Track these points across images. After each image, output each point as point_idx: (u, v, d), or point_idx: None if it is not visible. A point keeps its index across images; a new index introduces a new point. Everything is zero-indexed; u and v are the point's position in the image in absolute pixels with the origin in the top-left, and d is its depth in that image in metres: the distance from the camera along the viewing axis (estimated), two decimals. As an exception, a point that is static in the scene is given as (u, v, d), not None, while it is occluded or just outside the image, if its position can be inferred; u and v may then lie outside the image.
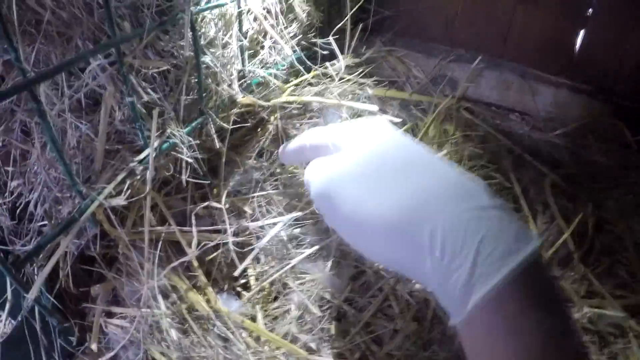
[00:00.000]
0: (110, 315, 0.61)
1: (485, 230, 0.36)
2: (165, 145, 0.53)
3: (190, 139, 0.53)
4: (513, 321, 0.34)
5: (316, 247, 0.58)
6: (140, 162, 0.52)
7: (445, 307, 0.39)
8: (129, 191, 0.51)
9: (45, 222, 0.54)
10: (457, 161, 0.67)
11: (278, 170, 0.63)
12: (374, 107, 0.58)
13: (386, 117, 0.61)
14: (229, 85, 0.56)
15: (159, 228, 0.58)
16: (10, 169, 0.54)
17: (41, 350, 0.60)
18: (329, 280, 0.58)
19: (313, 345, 0.57)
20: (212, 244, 0.57)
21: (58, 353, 0.61)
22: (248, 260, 0.57)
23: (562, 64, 0.72)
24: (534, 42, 0.71)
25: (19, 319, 0.58)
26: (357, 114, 0.65)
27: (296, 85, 0.65)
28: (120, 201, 0.50)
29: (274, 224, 0.58)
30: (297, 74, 0.67)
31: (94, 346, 0.59)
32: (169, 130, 0.53)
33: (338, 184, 0.44)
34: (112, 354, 0.58)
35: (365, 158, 0.44)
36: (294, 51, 0.64)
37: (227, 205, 0.60)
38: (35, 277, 0.53)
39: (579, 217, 0.65)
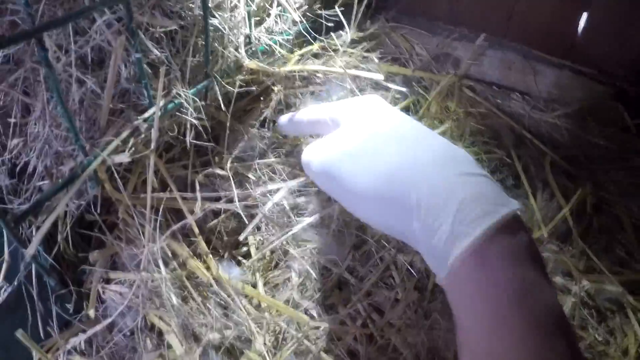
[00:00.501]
0: (108, 282, 0.60)
1: (467, 192, 0.40)
2: (170, 105, 0.53)
3: (197, 99, 0.53)
4: (492, 274, 0.37)
5: (317, 216, 0.59)
6: (145, 120, 0.52)
7: (432, 267, 0.43)
8: (133, 149, 0.51)
9: (46, 180, 0.54)
10: (459, 136, 0.67)
11: (281, 139, 0.64)
12: (380, 76, 0.59)
13: (391, 86, 0.61)
14: (236, 49, 0.56)
15: (160, 194, 0.58)
16: (11, 126, 0.54)
17: (37, 317, 0.59)
18: (331, 249, 0.59)
19: (314, 312, 0.57)
20: (214, 206, 0.57)
21: (55, 320, 0.60)
22: (252, 225, 0.57)
23: (564, 46, 0.73)
24: (537, 24, 0.72)
25: (15, 283, 0.58)
26: (360, 88, 0.65)
27: (301, 55, 0.66)
28: (124, 157, 0.49)
29: (278, 189, 0.58)
30: (301, 45, 0.68)
31: (91, 312, 0.59)
32: (174, 91, 0.53)
33: (335, 162, 0.48)
34: (109, 320, 0.58)
35: (360, 134, 0.48)
36: (300, 21, 0.64)
37: (230, 172, 0.60)
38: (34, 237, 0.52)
39: (578, 192, 0.66)
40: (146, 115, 0.52)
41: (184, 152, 0.63)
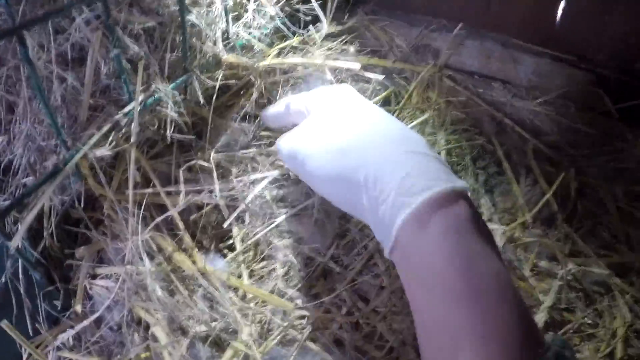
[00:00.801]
0: (94, 277, 0.61)
1: (412, 167, 0.42)
2: (150, 100, 0.54)
3: (176, 92, 0.55)
4: (435, 243, 0.39)
5: (300, 207, 0.59)
6: (125, 114, 0.53)
7: (380, 240, 0.45)
8: (114, 143, 0.52)
9: (30, 177, 0.55)
10: (440, 125, 0.68)
11: (263, 133, 0.65)
12: (357, 65, 0.60)
13: (371, 75, 0.62)
14: (214, 43, 0.57)
15: (144, 190, 0.59)
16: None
17: (26, 315, 0.60)
18: (314, 238, 0.59)
19: (299, 301, 0.58)
20: (196, 198, 0.58)
21: (43, 318, 0.61)
22: (234, 214, 0.58)
23: (543, 34, 0.74)
24: (515, 12, 0.74)
25: (3, 280, 0.59)
26: (340, 80, 0.66)
27: (280, 49, 0.67)
28: (105, 151, 0.51)
29: (260, 180, 0.59)
30: (280, 39, 0.69)
31: (78, 307, 0.60)
32: (154, 86, 0.54)
33: (299, 145, 0.52)
34: (96, 315, 0.59)
35: (323, 119, 0.52)
36: (278, 16, 0.66)
37: (213, 165, 0.61)
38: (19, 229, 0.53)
39: (561, 176, 0.67)
40: (126, 109, 0.53)
41: (167, 148, 0.64)
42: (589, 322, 0.63)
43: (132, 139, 0.51)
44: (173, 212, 0.56)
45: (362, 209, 0.45)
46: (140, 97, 0.53)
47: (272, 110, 0.62)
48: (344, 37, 0.71)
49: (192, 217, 0.60)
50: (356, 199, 0.45)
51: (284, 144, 0.54)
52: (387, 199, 0.41)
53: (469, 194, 0.43)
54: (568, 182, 0.70)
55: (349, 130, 0.49)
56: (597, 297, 0.65)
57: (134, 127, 0.52)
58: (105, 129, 0.51)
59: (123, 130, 0.53)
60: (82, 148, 0.51)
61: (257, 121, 0.64)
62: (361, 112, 0.51)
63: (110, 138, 0.51)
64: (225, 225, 0.59)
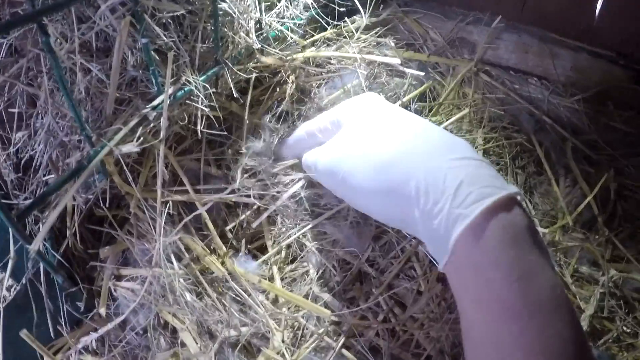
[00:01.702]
0: (119, 279, 0.56)
1: (464, 176, 0.38)
2: (180, 93, 0.49)
3: (207, 85, 0.49)
4: (492, 256, 0.36)
5: (336, 209, 0.54)
6: (154, 108, 0.47)
7: (434, 254, 0.41)
8: (141, 139, 0.46)
9: (52, 175, 0.50)
10: (478, 123, 0.63)
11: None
12: (396, 60, 0.54)
13: (408, 70, 0.57)
14: (247, 34, 0.52)
15: (172, 189, 0.54)
16: (15, 119, 0.50)
17: (47, 316, 0.55)
18: (350, 241, 0.54)
19: (334, 307, 0.52)
20: (226, 196, 0.53)
21: (65, 319, 0.56)
22: (267, 213, 0.52)
23: (581, 29, 0.68)
24: (553, 5, 0.68)
25: (24, 281, 0.54)
26: (374, 75, 0.61)
27: (313, 42, 0.61)
28: (132, 147, 0.45)
29: (294, 181, 0.54)
30: (313, 31, 0.63)
31: (102, 311, 0.55)
32: (183, 78, 0.49)
33: (336, 161, 0.48)
34: (121, 318, 0.54)
35: (359, 132, 0.48)
36: (312, 6, 0.60)
37: (245, 164, 0.55)
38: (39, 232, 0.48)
39: (602, 179, 0.61)
40: (155, 103, 0.47)
41: (195, 144, 0.58)
42: (629, 331, 0.58)
43: (162, 134, 0.46)
44: (202, 211, 0.51)
45: (414, 222, 0.41)
46: (170, 90, 0.47)
47: (293, 137, 0.57)
48: (377, 29, 0.65)
49: (223, 218, 0.55)
50: (406, 213, 0.42)
51: (319, 158, 0.50)
52: (442, 211, 0.38)
53: (520, 199, 0.40)
54: (607, 183, 0.65)
55: (391, 141, 0.45)
56: (637, 305, 0.59)
57: (163, 121, 0.46)
58: (132, 123, 0.46)
59: (151, 125, 0.48)
60: (107, 144, 0.45)
61: (292, 118, 0.59)
62: (399, 121, 0.47)
63: (138, 133, 0.46)
64: (254, 225, 0.53)
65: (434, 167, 0.40)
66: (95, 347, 0.56)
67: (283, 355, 0.49)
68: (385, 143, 0.45)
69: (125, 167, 0.48)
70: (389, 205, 0.43)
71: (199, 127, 0.49)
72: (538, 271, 0.36)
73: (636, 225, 0.64)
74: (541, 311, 0.35)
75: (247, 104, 0.53)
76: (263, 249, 0.56)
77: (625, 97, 0.70)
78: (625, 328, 0.58)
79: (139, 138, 0.46)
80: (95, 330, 0.55)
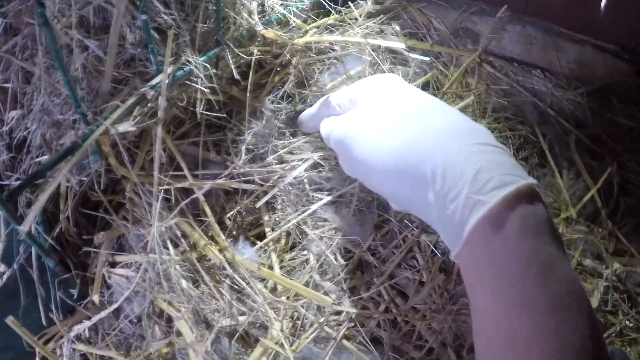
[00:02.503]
0: (114, 265, 0.54)
1: (483, 162, 0.36)
2: (179, 73, 0.46)
3: (208, 65, 0.47)
4: (511, 245, 0.33)
5: (337, 194, 0.52)
6: (152, 88, 0.45)
7: (446, 241, 0.39)
8: (138, 118, 0.44)
9: (46, 155, 0.47)
10: (481, 112, 0.61)
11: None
12: (401, 44, 0.52)
13: (414, 56, 0.55)
14: (249, 15, 0.49)
15: (170, 173, 0.51)
16: (9, 96, 0.47)
17: (39, 304, 0.53)
18: (351, 229, 0.52)
19: (334, 296, 0.50)
20: (223, 181, 0.50)
21: (57, 306, 0.54)
22: (267, 197, 0.50)
23: (586, 22, 0.67)
24: (557, -2, 0.66)
25: (15, 266, 0.51)
26: (376, 63, 0.58)
27: (317, 27, 0.59)
28: (128, 127, 0.43)
29: (296, 165, 0.51)
30: (316, 16, 0.61)
31: (95, 298, 0.52)
32: (183, 58, 0.46)
33: (353, 133, 0.45)
34: (115, 306, 0.51)
35: (378, 108, 0.45)
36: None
37: (245, 149, 0.53)
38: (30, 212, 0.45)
39: (606, 173, 0.60)
40: (153, 82, 0.45)
41: (194, 128, 0.56)
42: (632, 325, 0.56)
43: (160, 114, 0.43)
44: (199, 195, 0.48)
45: (427, 206, 0.38)
46: (169, 69, 0.45)
47: (308, 112, 0.55)
48: (380, 17, 0.63)
49: (221, 204, 0.52)
50: (419, 195, 0.39)
51: (335, 128, 0.47)
52: (459, 196, 0.35)
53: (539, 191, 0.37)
54: (611, 177, 0.63)
55: (411, 120, 0.42)
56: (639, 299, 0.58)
57: (162, 101, 0.44)
58: (129, 102, 0.44)
59: (149, 105, 0.45)
60: (103, 122, 0.43)
61: (294, 101, 0.56)
62: (420, 101, 0.44)
63: (135, 113, 0.43)
64: (258, 205, 0.51)
65: (453, 150, 0.38)
66: (88, 336, 0.54)
67: (282, 346, 0.47)
68: (404, 121, 0.42)
69: (122, 148, 0.46)
70: (402, 185, 0.41)
71: (198, 109, 0.47)
72: (558, 264, 0.34)
73: (639, 219, 0.63)
74: (561, 306, 0.32)
75: (249, 84, 0.50)
76: (262, 236, 0.53)
77: (629, 92, 0.68)
78: (628, 322, 0.56)
79: (135, 117, 0.44)
80: (89, 318, 0.53)
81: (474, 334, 0.37)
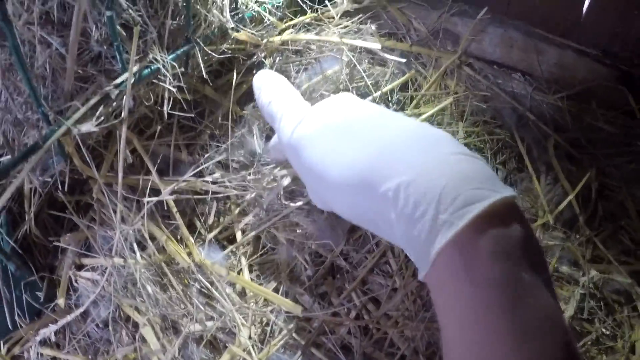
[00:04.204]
0: (80, 268, 0.52)
1: (449, 176, 0.32)
2: (145, 71, 0.44)
3: (175, 64, 0.45)
4: (480, 274, 0.30)
5: (308, 199, 0.50)
6: (117, 86, 0.43)
7: (414, 261, 0.35)
8: (102, 118, 0.42)
9: (9, 156, 0.45)
10: (459, 115, 0.59)
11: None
12: (377, 45, 0.51)
13: (390, 57, 0.53)
14: (220, 12, 0.47)
15: (138, 177, 0.49)
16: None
17: (3, 307, 0.51)
18: (323, 234, 0.50)
19: (304, 302, 0.48)
20: (193, 179, 0.48)
21: (24, 310, 0.52)
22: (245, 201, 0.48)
23: (568, 25, 0.65)
24: (539, 1, 0.64)
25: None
26: (353, 63, 0.57)
27: (292, 26, 0.57)
28: (90, 127, 0.41)
29: (271, 173, 0.49)
30: (293, 15, 0.59)
31: (61, 301, 0.51)
32: (151, 56, 0.44)
33: (303, 138, 0.41)
34: (81, 310, 0.50)
35: (330, 117, 0.41)
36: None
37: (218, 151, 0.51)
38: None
39: (584, 179, 0.58)
40: (118, 80, 0.43)
41: (167, 129, 0.54)
42: (608, 333, 0.55)
43: (123, 114, 0.42)
44: (165, 196, 0.46)
45: (388, 226, 0.35)
46: (135, 67, 0.43)
47: (274, 140, 0.49)
48: (359, 16, 0.61)
49: (192, 206, 0.50)
50: (380, 215, 0.35)
51: (287, 129, 0.42)
52: (425, 216, 0.32)
53: (516, 203, 0.33)
54: (589, 182, 0.61)
55: (369, 133, 0.38)
56: (617, 307, 0.56)
57: (126, 101, 0.42)
58: (92, 101, 0.42)
59: (114, 105, 0.43)
60: (64, 123, 0.41)
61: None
62: (377, 115, 0.40)
63: (99, 113, 0.41)
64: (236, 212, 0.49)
65: (415, 164, 0.34)
66: (56, 340, 0.52)
67: (249, 353, 0.45)
68: (361, 134, 0.38)
69: (84, 149, 0.44)
70: (360, 203, 0.37)
71: (165, 108, 0.45)
72: (532, 291, 0.30)
73: (617, 225, 0.61)
74: (533, 336, 0.29)
75: (232, 84, 0.48)
76: (233, 240, 0.51)
77: (609, 97, 0.67)
78: (604, 330, 0.55)
79: (99, 117, 0.42)
80: (55, 322, 0.51)
81: (444, 352, 0.34)
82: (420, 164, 0.34)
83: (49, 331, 0.51)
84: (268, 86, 0.46)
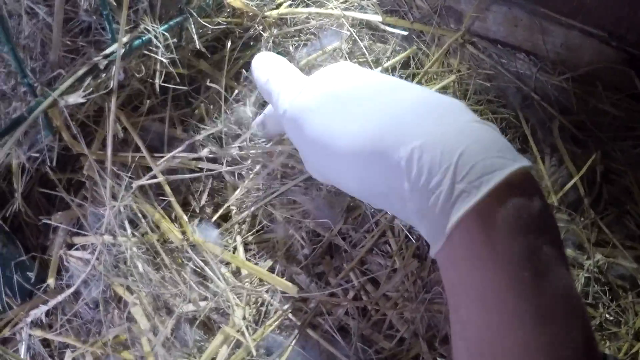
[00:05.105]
0: (72, 247, 0.50)
1: (466, 144, 0.29)
2: (136, 42, 0.42)
3: (167, 35, 0.42)
4: (501, 246, 0.28)
5: (306, 175, 0.48)
6: (106, 57, 0.41)
7: (426, 236, 0.32)
8: (91, 89, 0.40)
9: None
10: (462, 94, 0.57)
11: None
12: (377, 17, 0.49)
13: (392, 29, 0.51)
14: (215, -18, 0.45)
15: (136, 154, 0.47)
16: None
17: (-3, 286, 0.49)
18: (321, 212, 0.48)
19: (301, 282, 0.46)
20: (186, 155, 0.46)
21: (15, 291, 0.50)
22: (238, 193, 0.46)
23: (574, 5, 0.63)
24: (544, -21, 0.62)
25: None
26: (353, 39, 0.54)
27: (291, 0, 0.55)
28: (77, 98, 0.39)
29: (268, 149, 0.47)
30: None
31: (51, 281, 0.49)
32: (142, 26, 0.42)
33: (305, 108, 0.37)
34: (71, 290, 0.48)
35: (336, 85, 0.38)
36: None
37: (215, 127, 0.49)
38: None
39: (590, 160, 0.56)
40: (108, 50, 0.41)
41: (161, 105, 0.52)
42: (612, 319, 0.53)
43: (112, 84, 0.39)
44: (156, 172, 0.44)
45: (400, 198, 0.32)
46: (126, 38, 0.41)
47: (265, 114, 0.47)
48: (360, -7, 0.59)
49: (187, 184, 0.48)
50: (392, 186, 0.32)
51: (286, 100, 0.39)
52: (440, 186, 0.29)
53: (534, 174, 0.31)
54: (594, 165, 0.59)
55: (379, 98, 0.35)
56: (621, 292, 0.54)
57: (115, 72, 0.40)
58: (80, 72, 0.39)
59: (103, 76, 0.41)
60: (51, 94, 0.39)
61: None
62: (387, 79, 0.37)
63: (86, 83, 0.39)
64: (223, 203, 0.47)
65: (430, 131, 0.31)
66: (49, 321, 0.50)
67: (243, 334, 0.43)
68: (370, 101, 0.35)
69: (73, 124, 0.42)
70: (370, 174, 0.34)
71: (157, 81, 0.43)
72: (553, 268, 0.28)
73: (622, 210, 0.59)
74: (554, 317, 0.27)
75: (226, 60, 0.46)
76: (228, 218, 0.49)
77: (615, 79, 0.64)
78: (608, 315, 0.52)
79: (86, 88, 0.40)
80: (46, 302, 0.49)
81: (453, 335, 0.32)
82: (434, 131, 0.31)
83: (39, 312, 0.49)
84: (266, 65, 0.43)
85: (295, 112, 0.38)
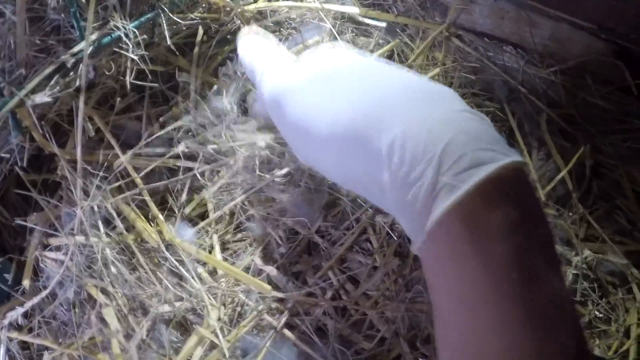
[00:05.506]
0: (46, 248, 0.49)
1: (453, 134, 0.27)
2: (106, 39, 0.41)
3: (136, 31, 0.41)
4: (487, 246, 0.26)
5: (285, 171, 0.46)
6: (73, 55, 0.40)
7: (407, 230, 0.31)
8: (58, 88, 0.39)
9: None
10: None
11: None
12: (355, 9, 0.47)
13: (372, 22, 0.50)
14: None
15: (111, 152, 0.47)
16: None
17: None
18: (299, 209, 0.47)
19: (278, 281, 0.45)
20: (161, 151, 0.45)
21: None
22: (217, 186, 0.45)
23: (561, -3, 0.61)
24: (532, -30, 0.61)
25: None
26: (334, 34, 0.53)
27: (270, -6, 0.54)
28: (44, 97, 0.38)
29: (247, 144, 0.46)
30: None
31: (25, 283, 0.48)
32: (111, 23, 0.41)
33: (286, 89, 0.36)
34: (46, 292, 0.47)
35: (321, 66, 0.36)
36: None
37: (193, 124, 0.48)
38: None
39: (578, 154, 0.55)
40: (75, 49, 0.40)
41: (138, 103, 0.51)
42: (601, 316, 0.51)
43: (80, 82, 0.39)
44: (125, 163, 0.43)
45: (379, 188, 0.30)
46: (94, 35, 0.40)
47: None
48: (342, -13, 0.58)
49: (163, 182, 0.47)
50: (370, 174, 0.31)
51: (268, 82, 0.38)
52: (422, 178, 0.27)
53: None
54: (583, 159, 0.58)
55: (362, 81, 0.33)
56: (611, 288, 0.53)
57: (83, 70, 0.39)
58: (47, 71, 0.39)
59: (72, 75, 0.40)
60: (17, 94, 0.38)
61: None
62: (372, 62, 0.36)
63: (53, 82, 0.38)
64: (207, 195, 0.46)
65: (414, 118, 0.29)
66: (26, 323, 0.49)
67: (217, 335, 0.42)
68: (354, 83, 0.33)
69: (43, 122, 0.41)
70: (350, 161, 0.32)
71: (127, 78, 0.42)
72: (543, 271, 0.26)
73: (612, 205, 0.58)
74: (543, 322, 0.25)
75: (196, 55, 0.45)
76: (205, 217, 0.48)
77: (604, 72, 0.63)
78: (597, 313, 0.51)
79: (53, 87, 0.39)
80: (22, 305, 0.48)
81: (437, 336, 0.30)
82: (420, 118, 0.29)
83: (16, 314, 0.48)
84: (251, 44, 0.41)
85: (277, 93, 0.37)
